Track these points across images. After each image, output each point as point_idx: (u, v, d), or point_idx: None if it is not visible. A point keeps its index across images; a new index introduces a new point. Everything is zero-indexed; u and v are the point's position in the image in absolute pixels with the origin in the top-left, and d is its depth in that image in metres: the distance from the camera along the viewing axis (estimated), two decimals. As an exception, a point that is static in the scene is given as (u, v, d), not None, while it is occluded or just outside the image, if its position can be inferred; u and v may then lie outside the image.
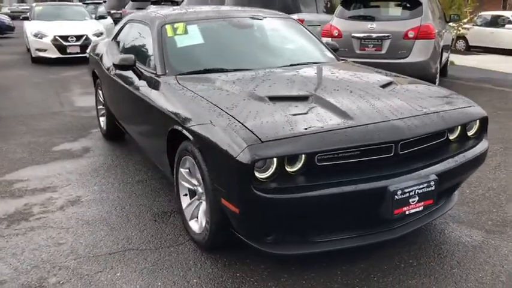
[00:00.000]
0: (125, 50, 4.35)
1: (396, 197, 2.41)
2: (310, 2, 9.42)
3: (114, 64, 3.57)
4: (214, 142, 2.47)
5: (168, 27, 3.71)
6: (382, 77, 3.37)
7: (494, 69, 10.69)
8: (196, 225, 2.97)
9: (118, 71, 4.15)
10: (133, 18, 4.50)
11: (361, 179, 2.41)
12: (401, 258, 2.79)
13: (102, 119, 5.39)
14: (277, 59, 3.71)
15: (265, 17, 4.13)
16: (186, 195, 3.11)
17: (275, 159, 2.32)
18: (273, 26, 4.18)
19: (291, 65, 3.59)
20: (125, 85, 3.91)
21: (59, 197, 3.77)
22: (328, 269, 2.69)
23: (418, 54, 6.46)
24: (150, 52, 3.71)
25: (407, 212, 2.50)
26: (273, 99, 2.75)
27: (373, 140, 2.43)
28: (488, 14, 15.97)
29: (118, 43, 4.69)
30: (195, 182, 2.96)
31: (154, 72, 3.47)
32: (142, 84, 3.56)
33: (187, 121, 2.75)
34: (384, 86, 3.07)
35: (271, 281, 2.60)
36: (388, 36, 6.57)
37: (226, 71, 3.38)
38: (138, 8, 16.61)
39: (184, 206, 3.10)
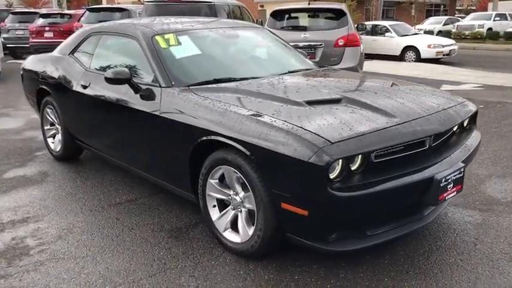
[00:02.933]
0: (100, 65, 4.08)
1: (441, 184, 2.67)
2: (223, 14, 9.60)
3: (106, 78, 3.36)
4: (273, 148, 2.50)
5: (159, 38, 3.59)
6: (380, 79, 3.66)
7: (390, 73, 11.84)
8: (235, 235, 2.94)
9: (95, 87, 3.90)
10: (101, 30, 4.24)
11: (412, 171, 2.62)
12: (429, 242, 3.07)
13: (52, 140, 4.96)
14: (277, 67, 3.81)
15: (245, 27, 4.19)
16: (214, 206, 3.06)
17: (341, 159, 2.43)
18: (255, 36, 4.26)
19: (290, 72, 3.71)
20: (111, 100, 3.69)
21: (48, 226, 3.42)
22: (376, 260, 2.85)
23: (348, 60, 6.98)
24: (143, 65, 3.56)
25: (447, 198, 2.77)
26: (310, 103, 2.85)
27: (418, 134, 2.66)
28: (368, 23, 17.62)
29: (79, 58, 4.38)
30: (230, 192, 2.93)
31: (157, 84, 3.34)
32: (139, 98, 3.40)
33: (228, 130, 2.73)
34: (392, 86, 3.34)
35: (332, 279, 2.69)
36: (320, 44, 7.00)
37: (235, 79, 3.38)
38: (21, 22, 15.32)
39: (214, 218, 3.04)
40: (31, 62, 5.15)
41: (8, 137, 5.85)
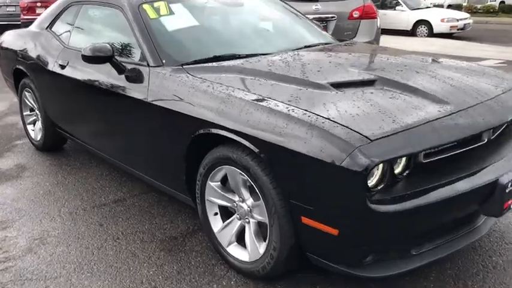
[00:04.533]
0: (79, 40, 3.46)
1: (507, 189, 2.07)
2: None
3: (84, 56, 2.74)
4: (291, 146, 1.90)
5: (147, 7, 2.96)
6: (416, 54, 3.02)
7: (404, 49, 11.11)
8: (241, 251, 2.37)
9: (74, 66, 3.29)
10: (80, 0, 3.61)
11: (469, 174, 2.02)
12: (482, 257, 2.48)
13: (33, 128, 4.37)
14: (290, 41, 3.17)
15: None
16: (216, 214, 2.48)
17: (383, 163, 1.82)
18: (263, 4, 3.61)
19: (307, 47, 3.07)
20: (92, 83, 3.08)
21: (18, 235, 2.86)
22: (418, 283, 2.28)
23: (364, 35, 6.30)
24: (128, 40, 2.94)
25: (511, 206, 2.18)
26: (337, 86, 2.24)
27: (479, 126, 2.06)
28: (377, -4, 16.78)
29: (57, 33, 3.75)
30: (235, 198, 2.35)
31: (144, 63, 2.73)
32: (125, 80, 2.80)
33: (232, 121, 2.13)
34: (433, 63, 2.71)
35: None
36: (333, 17, 6.32)
37: (240, 57, 2.76)
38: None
39: (216, 229, 2.46)
40: (8, 39, 4.52)
41: (-14, 123, 5.26)
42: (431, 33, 14.22)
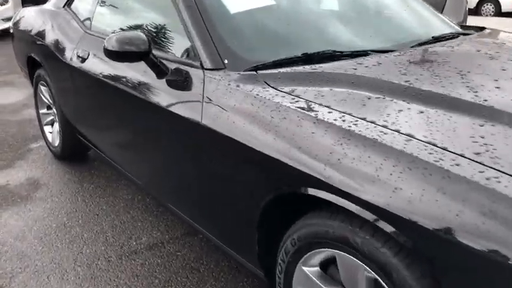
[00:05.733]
0: (104, 24, 2.56)
1: None
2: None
3: (108, 50, 1.83)
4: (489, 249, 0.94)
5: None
6: None
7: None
8: None
9: (96, 60, 2.40)
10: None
11: None
12: None
13: (50, 130, 3.54)
14: (409, 30, 2.16)
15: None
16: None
17: None
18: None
19: (435, 39, 2.06)
20: (120, 84, 2.18)
21: (14, 304, 2.03)
22: None
23: (451, 14, 5.18)
24: (171, 25, 2.02)
25: None
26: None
27: None
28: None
29: (77, 13, 2.86)
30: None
31: (196, 63, 1.80)
32: (166, 85, 1.89)
33: (359, 184, 1.18)
34: None
35: None
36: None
37: (343, 55, 1.78)
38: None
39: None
40: (24, 17, 3.67)
41: (2, 117, 4.47)
42: (498, 12, 12.73)
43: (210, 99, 1.67)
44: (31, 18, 3.48)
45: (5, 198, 2.94)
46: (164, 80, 1.90)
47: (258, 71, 1.66)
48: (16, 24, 3.74)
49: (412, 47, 1.91)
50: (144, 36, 1.83)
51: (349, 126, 1.28)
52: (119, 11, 2.53)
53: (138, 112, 2.12)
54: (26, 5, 5.29)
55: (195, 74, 1.78)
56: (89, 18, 2.68)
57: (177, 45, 1.99)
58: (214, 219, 1.84)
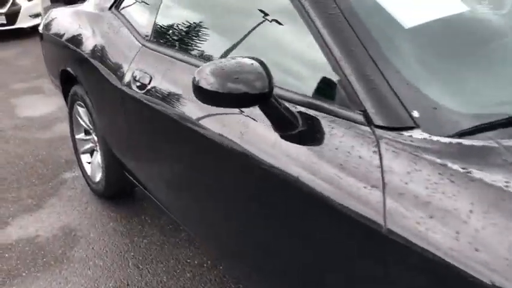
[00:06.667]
0: (176, 33, 1.83)
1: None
2: None
3: (201, 89, 1.11)
4: None
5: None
6: None
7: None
8: None
9: (164, 87, 1.68)
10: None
11: None
12: None
13: (88, 159, 2.86)
14: None
15: None
16: None
17: None
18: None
19: None
20: (200, 126, 1.47)
21: None
22: None
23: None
24: (294, 43, 1.29)
25: None
26: None
27: None
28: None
29: (130, 18, 2.14)
30: None
31: (357, 115, 1.06)
32: (291, 148, 1.16)
33: None
34: None
35: None
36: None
37: None
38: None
39: None
40: (56, 19, 2.98)
41: (28, 135, 3.81)
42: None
43: (396, 188, 0.92)
44: (65, 21, 2.78)
45: (34, 259, 2.26)
46: (289, 134, 1.17)
47: (500, 140, 0.91)
48: (47, 27, 3.05)
49: None
50: (260, 67, 1.10)
51: None
52: (196, 15, 1.78)
53: (226, 166, 1.41)
54: (54, 5, 4.60)
55: (354, 132, 1.05)
56: (149, 26, 1.95)
57: (306, 76, 1.26)
58: None
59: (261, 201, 1.30)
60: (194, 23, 1.74)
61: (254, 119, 1.27)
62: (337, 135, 1.08)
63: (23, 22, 8.10)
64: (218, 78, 1.09)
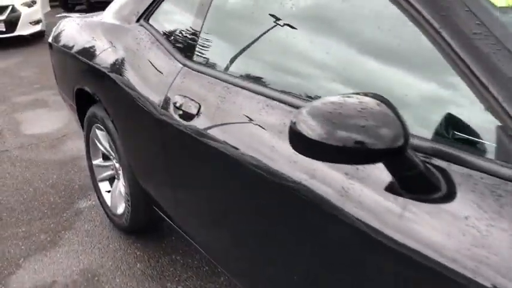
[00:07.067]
0: (224, 57, 1.51)
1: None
2: None
3: (306, 140, 0.79)
4: None
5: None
6: None
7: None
8: None
9: (218, 117, 1.36)
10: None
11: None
12: None
13: (108, 188, 2.54)
14: None
15: None
16: None
17: None
18: None
19: None
20: (265, 172, 1.15)
21: None
22: None
23: None
24: (411, 80, 0.98)
25: None
26: None
27: None
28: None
29: (164, 31, 1.82)
30: None
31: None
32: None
33: None
34: None
35: None
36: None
37: None
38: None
39: None
40: (67, 31, 2.65)
41: (36, 156, 3.48)
42: None
43: None
44: (81, 34, 2.44)
45: (52, 313, 1.94)
46: (426, 197, 0.86)
47: None
48: (56, 39, 2.73)
49: None
50: (388, 109, 0.79)
51: None
52: (257, 27, 1.44)
53: (294, 213, 1.10)
54: (53, 10, 4.27)
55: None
56: (190, 41, 1.64)
57: (440, 116, 0.95)
58: None
59: (321, 256, 0.99)
60: (255, 36, 1.42)
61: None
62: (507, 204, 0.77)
63: (23, 29, 7.76)
64: (332, 128, 0.78)
